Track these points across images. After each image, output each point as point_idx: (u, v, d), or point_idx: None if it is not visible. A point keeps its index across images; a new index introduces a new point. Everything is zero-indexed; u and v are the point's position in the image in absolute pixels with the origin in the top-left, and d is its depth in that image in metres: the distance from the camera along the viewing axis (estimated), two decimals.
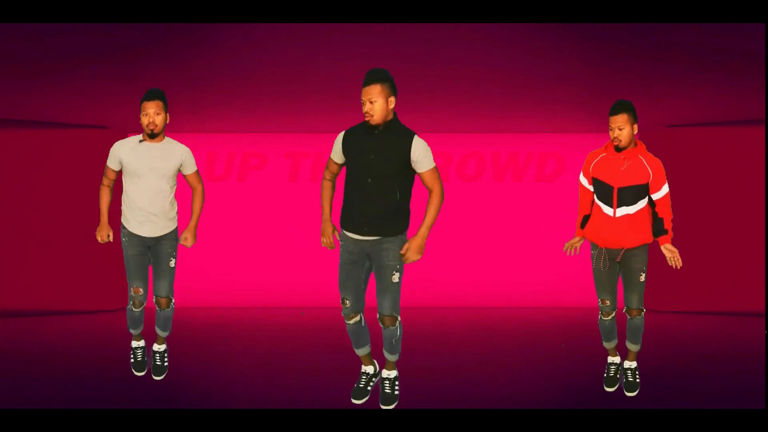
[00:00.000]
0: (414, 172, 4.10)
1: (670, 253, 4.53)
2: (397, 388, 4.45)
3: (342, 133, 4.17)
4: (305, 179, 8.67)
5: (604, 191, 4.54)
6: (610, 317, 4.73)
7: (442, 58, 5.67)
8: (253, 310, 8.48)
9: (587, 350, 5.87)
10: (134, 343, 5.00)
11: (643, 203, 4.51)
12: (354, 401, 4.47)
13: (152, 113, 4.51)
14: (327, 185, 4.34)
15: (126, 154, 4.57)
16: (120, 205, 4.72)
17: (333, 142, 4.26)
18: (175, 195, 4.71)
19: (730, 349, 6.52)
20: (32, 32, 4.89)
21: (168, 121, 4.60)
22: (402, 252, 4.09)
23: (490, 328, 7.63)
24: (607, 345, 4.86)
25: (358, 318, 4.31)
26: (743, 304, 8.02)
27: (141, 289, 4.67)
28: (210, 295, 8.69)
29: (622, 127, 4.41)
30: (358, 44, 5.29)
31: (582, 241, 4.75)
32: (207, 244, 8.47)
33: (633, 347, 4.80)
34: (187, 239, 4.76)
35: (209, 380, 5.40)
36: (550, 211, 8.64)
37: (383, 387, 4.45)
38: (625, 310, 4.70)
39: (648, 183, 4.47)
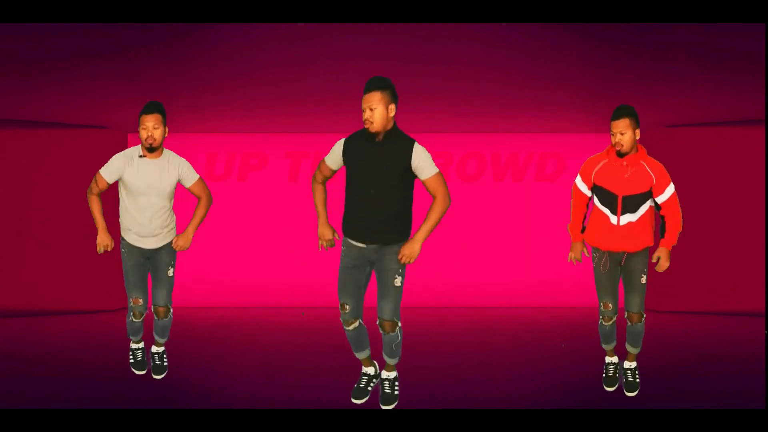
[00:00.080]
0: (414, 178, 4.09)
1: (660, 267, 4.51)
2: (397, 388, 4.45)
3: (342, 141, 4.14)
4: (305, 179, 8.67)
5: (607, 199, 4.49)
6: (611, 322, 4.69)
7: (442, 58, 5.67)
8: (253, 310, 8.48)
9: (587, 350, 5.87)
10: (134, 345, 5.00)
11: (644, 209, 4.47)
12: (354, 401, 4.47)
13: (150, 127, 4.43)
14: (319, 188, 4.29)
15: (128, 173, 4.48)
16: (115, 216, 4.67)
17: (333, 142, 4.24)
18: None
19: (730, 349, 6.52)
20: (32, 32, 4.89)
21: (167, 134, 4.54)
22: (399, 257, 4.06)
23: (490, 328, 7.63)
24: (605, 347, 4.86)
25: (357, 324, 4.30)
26: (743, 304, 8.02)
27: (141, 300, 4.65)
28: (210, 295, 8.70)
29: (624, 132, 4.36)
30: (358, 44, 5.28)
31: (584, 247, 4.71)
32: (207, 244, 8.48)
33: (633, 350, 4.80)
34: (177, 242, 4.65)
35: (209, 380, 5.40)
36: (550, 211, 8.64)
37: (383, 387, 4.45)
38: (626, 315, 4.66)
39: (651, 189, 4.44)
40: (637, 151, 4.44)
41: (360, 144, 4.07)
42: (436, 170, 4.05)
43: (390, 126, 4.02)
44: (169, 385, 4.98)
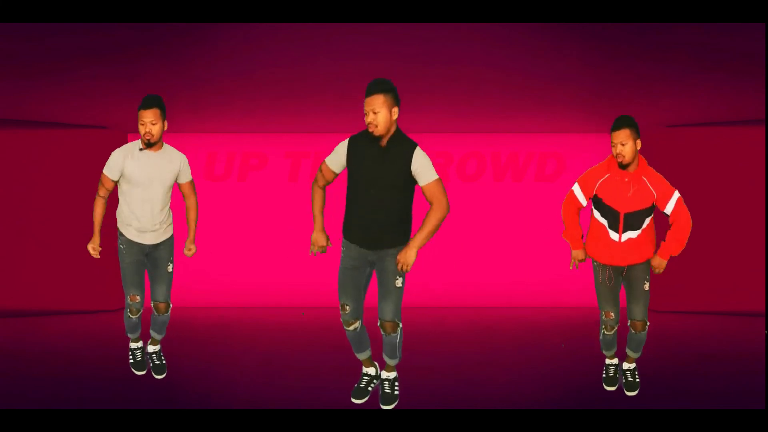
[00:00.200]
0: (416, 183, 4.07)
1: (655, 266, 4.50)
2: (397, 388, 4.45)
3: (347, 141, 4.10)
4: (305, 179, 8.67)
5: (609, 215, 4.44)
6: (613, 332, 4.66)
7: (442, 58, 5.67)
8: (253, 310, 8.48)
9: (587, 350, 5.87)
10: (132, 345, 5.00)
11: (646, 223, 4.43)
12: (354, 401, 4.47)
13: (148, 123, 4.43)
14: (319, 193, 4.25)
15: (129, 165, 4.49)
16: (115, 215, 4.68)
17: (333, 142, 4.23)
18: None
19: (730, 349, 6.52)
20: (32, 32, 4.89)
21: (166, 128, 4.55)
22: (398, 265, 4.04)
23: (490, 328, 7.62)
24: (606, 353, 4.84)
25: (357, 324, 4.29)
26: (743, 304, 8.02)
27: (138, 297, 4.66)
28: (210, 295, 8.69)
29: (624, 143, 4.29)
30: (358, 44, 5.28)
31: (585, 254, 4.65)
32: (207, 244, 8.47)
33: (633, 354, 4.78)
34: (190, 249, 4.80)
35: (209, 380, 5.40)
36: (550, 211, 8.64)
37: (383, 387, 4.45)
38: (629, 324, 4.62)
39: (653, 204, 4.39)
40: (638, 163, 4.38)
41: (363, 145, 4.05)
42: (435, 177, 4.01)
43: (393, 129, 4.01)
44: (169, 385, 4.98)
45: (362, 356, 4.46)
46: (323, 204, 4.28)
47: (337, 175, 4.20)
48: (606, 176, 4.43)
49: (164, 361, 4.99)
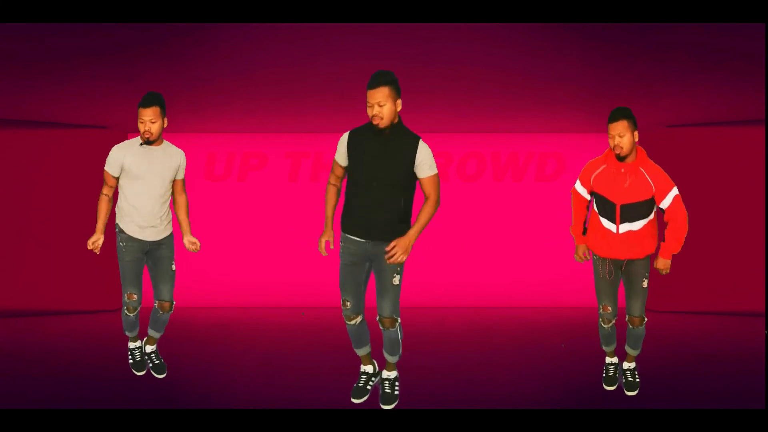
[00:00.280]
0: (416, 177, 4.08)
1: (660, 268, 4.51)
2: (397, 388, 4.45)
3: (346, 135, 4.11)
4: (305, 179, 8.67)
5: (606, 207, 4.43)
6: (610, 324, 4.67)
7: (442, 58, 5.67)
8: (253, 310, 8.48)
9: (587, 350, 5.87)
10: (131, 344, 5.00)
11: (647, 219, 4.40)
12: (354, 401, 4.47)
13: (147, 121, 4.43)
14: (333, 191, 4.26)
15: (129, 159, 4.51)
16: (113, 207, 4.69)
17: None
18: None
19: (730, 349, 6.52)
20: (32, 32, 4.89)
21: (166, 125, 4.55)
22: (387, 249, 3.99)
23: (490, 328, 7.62)
24: (606, 348, 4.85)
25: (359, 319, 4.31)
26: (743, 304, 8.02)
27: (135, 295, 4.66)
28: (210, 295, 8.69)
29: (622, 134, 4.25)
30: (358, 44, 5.28)
31: (587, 250, 4.67)
32: (207, 244, 8.47)
33: (632, 352, 4.78)
34: (194, 243, 4.75)
35: (209, 380, 5.40)
36: (550, 211, 8.64)
37: (383, 387, 4.45)
38: (627, 319, 4.63)
39: (652, 197, 4.34)
40: (636, 155, 4.34)
41: (365, 138, 4.05)
42: (435, 171, 4.04)
43: (396, 121, 4.02)
44: (169, 385, 4.98)
45: (361, 352, 4.46)
46: (336, 202, 4.30)
47: (346, 169, 4.21)
48: (602, 168, 4.42)
49: (163, 361, 4.99)
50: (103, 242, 4.64)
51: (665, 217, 4.41)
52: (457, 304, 8.69)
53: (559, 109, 7.55)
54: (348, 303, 4.24)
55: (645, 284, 4.54)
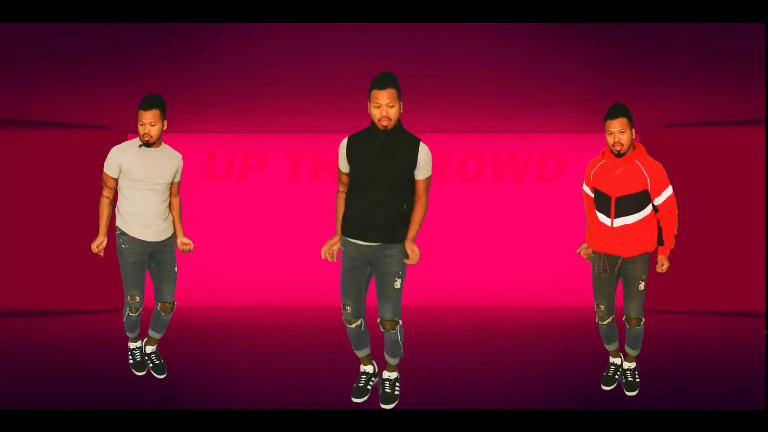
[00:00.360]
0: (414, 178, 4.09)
1: (661, 268, 4.52)
2: (397, 388, 4.45)
3: (345, 141, 4.10)
4: (305, 179, 8.67)
5: (602, 201, 4.46)
6: (605, 322, 4.67)
7: (442, 58, 5.67)
8: (253, 310, 8.48)
9: (587, 350, 5.87)
10: (131, 344, 5.00)
11: (644, 213, 4.41)
12: (354, 400, 4.47)
13: (147, 124, 4.43)
14: (342, 198, 4.24)
15: (128, 160, 4.50)
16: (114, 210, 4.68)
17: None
18: None
19: (730, 349, 6.52)
20: (32, 32, 4.89)
21: (166, 128, 4.55)
22: (405, 261, 4.09)
23: (490, 328, 7.63)
24: (608, 347, 4.85)
25: (359, 323, 4.30)
26: (743, 304, 8.03)
27: (137, 297, 4.66)
28: (210, 295, 8.70)
29: (623, 131, 4.29)
30: (358, 44, 5.28)
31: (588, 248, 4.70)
32: (207, 244, 8.47)
33: (632, 352, 4.78)
34: (187, 243, 4.75)
35: (209, 380, 5.40)
36: (550, 211, 8.64)
37: (383, 387, 4.45)
38: (625, 319, 4.65)
39: (647, 190, 4.37)
40: (634, 151, 4.39)
41: (364, 142, 4.05)
42: (430, 173, 4.08)
43: (396, 123, 4.03)
44: (169, 385, 4.98)
45: (361, 353, 4.46)
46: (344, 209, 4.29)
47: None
48: (600, 164, 4.48)
49: (163, 361, 4.99)
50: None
51: (658, 215, 4.46)
52: (457, 304, 8.69)
53: (559, 109, 7.55)
54: (348, 307, 4.23)
55: (642, 287, 4.54)
